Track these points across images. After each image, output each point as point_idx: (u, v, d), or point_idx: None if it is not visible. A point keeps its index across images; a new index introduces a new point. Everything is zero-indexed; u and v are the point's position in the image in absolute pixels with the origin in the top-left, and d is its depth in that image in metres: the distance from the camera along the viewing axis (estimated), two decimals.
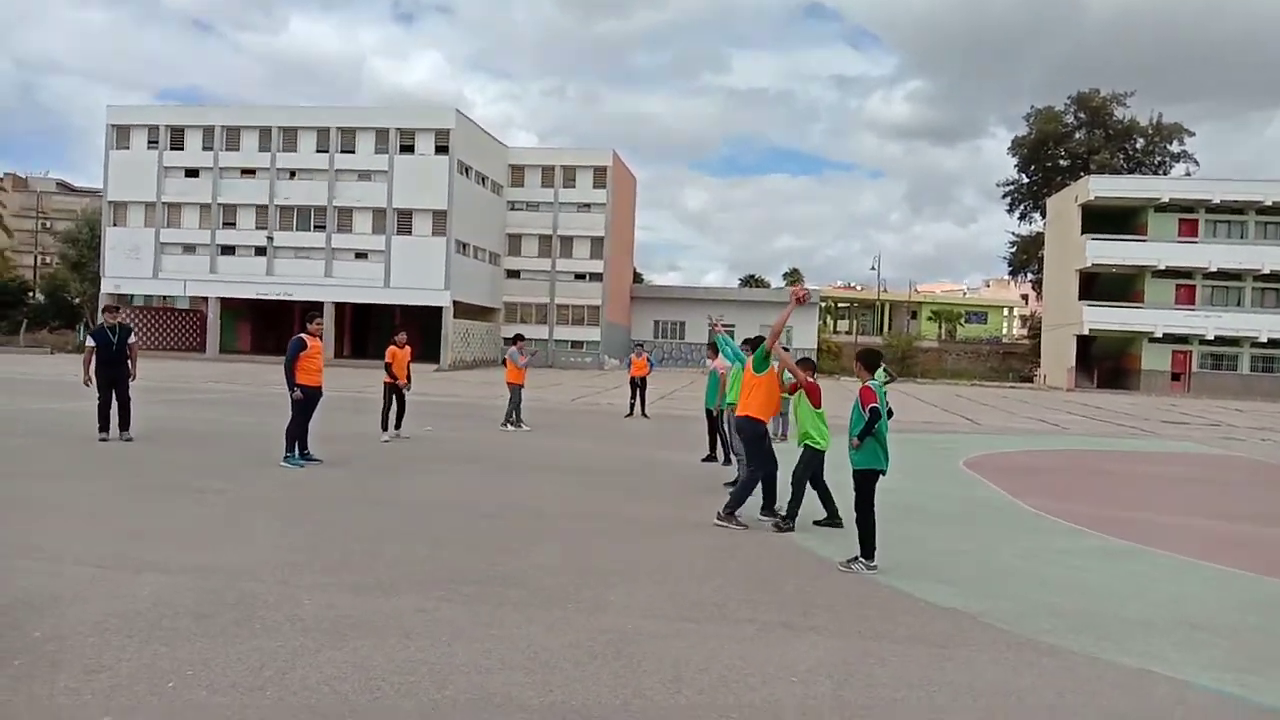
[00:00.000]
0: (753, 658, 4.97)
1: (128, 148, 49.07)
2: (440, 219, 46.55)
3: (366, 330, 53.54)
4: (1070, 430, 23.54)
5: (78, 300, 58.68)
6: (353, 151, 47.54)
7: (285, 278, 47.66)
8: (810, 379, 8.54)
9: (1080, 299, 52.87)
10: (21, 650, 4.53)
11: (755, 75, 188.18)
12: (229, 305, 49.69)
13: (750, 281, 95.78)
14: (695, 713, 4.21)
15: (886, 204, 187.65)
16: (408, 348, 14.92)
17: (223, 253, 48.55)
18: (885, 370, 21.42)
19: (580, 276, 55.22)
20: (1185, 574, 7.54)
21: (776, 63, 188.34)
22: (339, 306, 48.09)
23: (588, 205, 55.20)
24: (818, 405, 8.43)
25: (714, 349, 15.82)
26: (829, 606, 6.05)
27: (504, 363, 18.12)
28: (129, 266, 48.66)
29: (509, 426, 16.95)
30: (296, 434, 11.17)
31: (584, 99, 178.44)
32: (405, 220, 47.10)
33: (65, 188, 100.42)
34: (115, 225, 49.24)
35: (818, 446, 8.52)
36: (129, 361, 12.50)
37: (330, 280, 47.30)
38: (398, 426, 14.45)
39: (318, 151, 47.73)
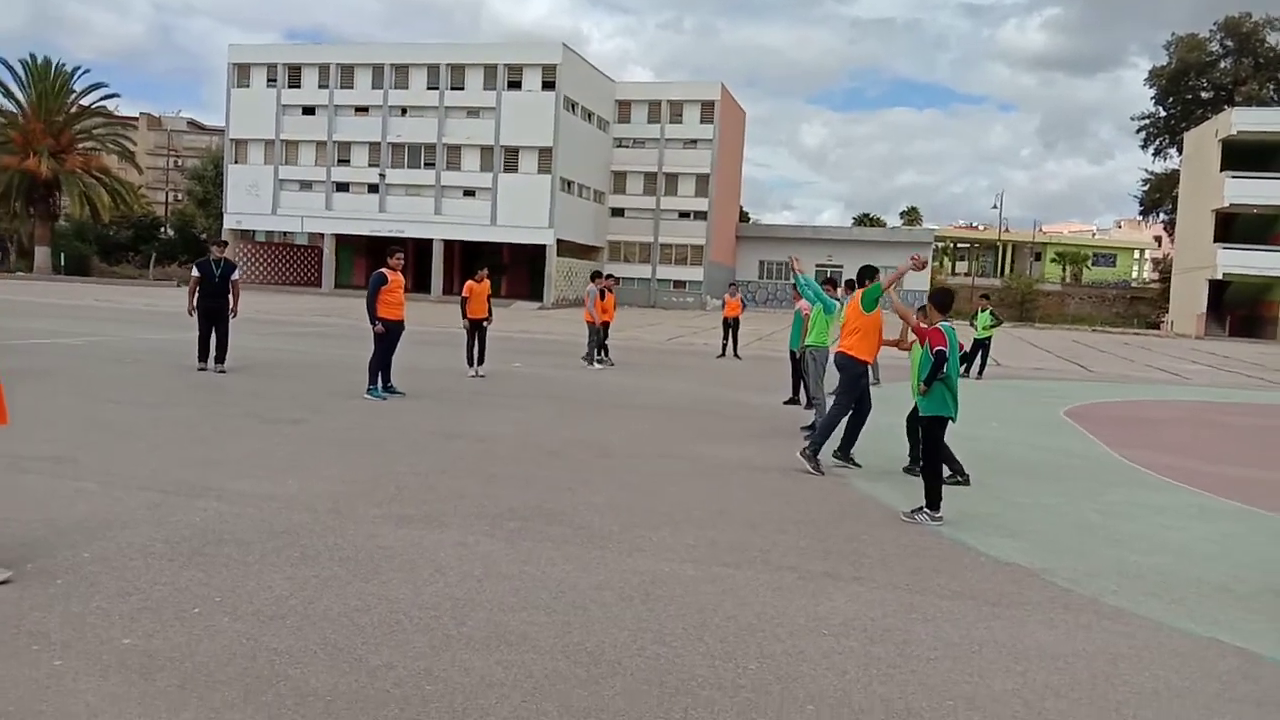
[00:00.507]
0: (786, 608, 4.79)
1: (248, 86, 50.59)
2: (546, 156, 46.62)
3: (477, 268, 54.31)
4: (1191, 380, 22.22)
5: (204, 235, 61.25)
6: (462, 88, 47.87)
7: (397, 215, 48.68)
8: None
9: (1215, 241, 49.57)
10: (67, 570, 4.70)
11: (881, 3, 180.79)
12: (345, 241, 51.10)
13: (864, 220, 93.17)
14: (712, 662, 4.07)
15: (1018, 139, 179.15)
16: (486, 282, 14.94)
17: (338, 190, 49.85)
18: (991, 313, 20.53)
19: (685, 215, 54.71)
20: None
21: None
22: (448, 244, 48.94)
23: (694, 141, 54.39)
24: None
25: (797, 290, 15.53)
26: (880, 558, 5.80)
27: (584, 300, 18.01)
28: (249, 203, 50.49)
29: (594, 364, 16.97)
30: (379, 367, 11.37)
31: (700, 31, 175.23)
32: (512, 158, 47.35)
33: (196, 126, 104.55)
34: (236, 162, 51.06)
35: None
36: (230, 296, 12.68)
37: (439, 218, 48.10)
38: (480, 362, 14.52)
39: (428, 89, 48.24)
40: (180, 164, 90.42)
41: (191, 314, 12.62)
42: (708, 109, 54.29)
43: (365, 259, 55.40)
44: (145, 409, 9.87)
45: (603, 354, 18.26)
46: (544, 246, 46.32)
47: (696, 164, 54.36)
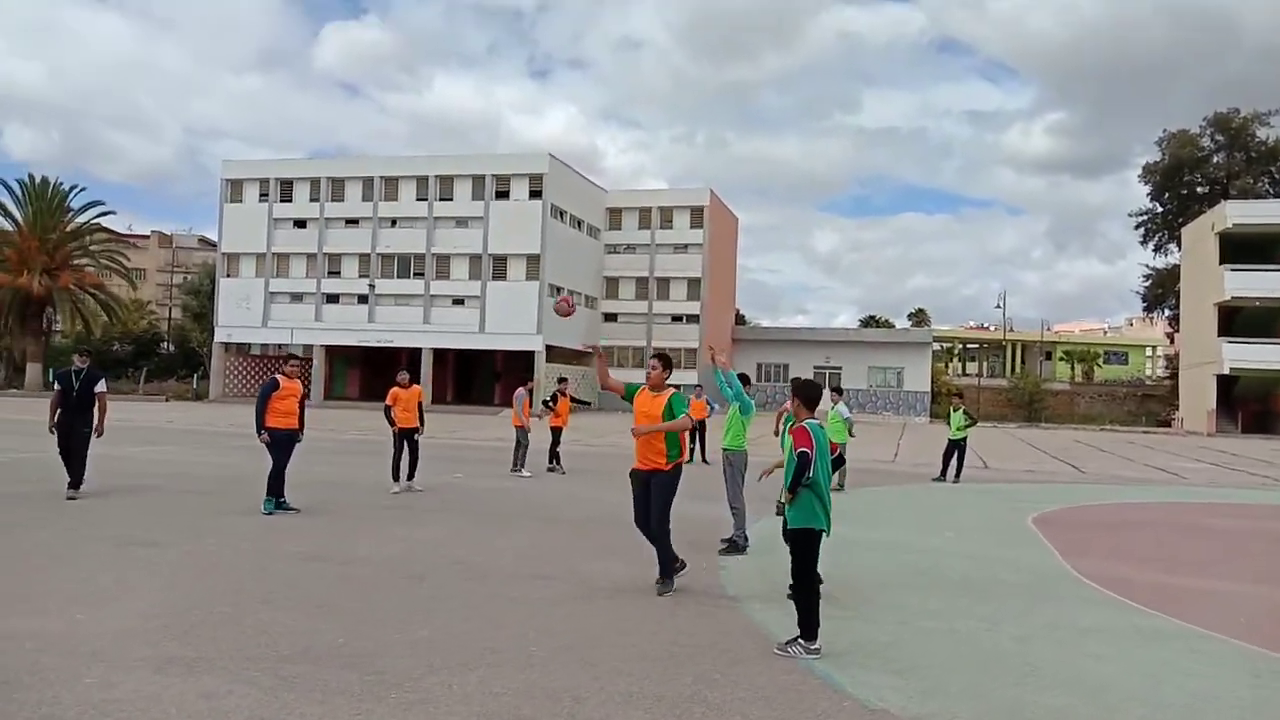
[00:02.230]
0: None
1: (241, 201, 51.20)
2: (534, 263, 46.62)
3: (471, 376, 53.99)
4: (1189, 480, 21.06)
5: (201, 349, 61.26)
6: (450, 199, 48.27)
7: (386, 325, 48.51)
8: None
9: (1220, 335, 48.65)
10: None
11: (886, 113, 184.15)
12: (338, 352, 50.82)
13: (871, 322, 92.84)
14: None
15: (1028, 241, 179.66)
16: (415, 387, 14.10)
17: (328, 301, 49.86)
18: (965, 413, 19.69)
19: (677, 319, 54.37)
20: (1227, 666, 5.91)
21: (908, 100, 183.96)
22: (439, 352, 48.61)
23: (685, 246, 54.47)
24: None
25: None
26: (720, 705, 4.81)
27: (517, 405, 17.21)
28: (240, 316, 50.49)
29: (523, 472, 16.07)
30: (276, 479, 10.65)
31: (712, 144, 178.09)
32: (500, 265, 47.38)
33: (206, 243, 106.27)
34: (229, 276, 51.29)
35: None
36: (95, 411, 11.15)
37: (429, 326, 47.88)
38: (410, 477, 13.57)
39: (417, 200, 48.68)
40: (186, 279, 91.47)
41: (52, 432, 11.09)
42: (697, 214, 54.53)
43: (359, 369, 55.10)
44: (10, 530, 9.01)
45: (554, 461, 17.38)
46: (533, 353, 45.84)
47: (687, 268, 54.31)
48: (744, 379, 10.36)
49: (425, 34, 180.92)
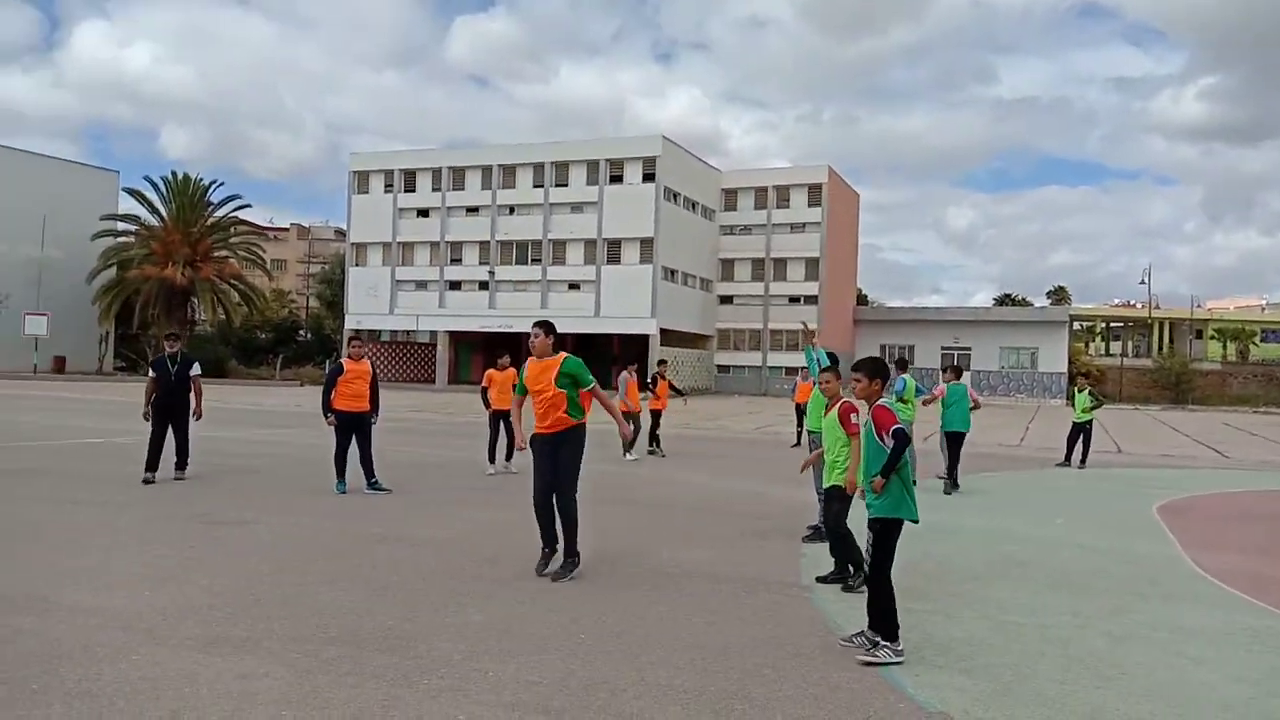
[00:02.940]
0: None
1: (367, 192, 52.92)
2: (647, 247, 46.56)
3: (589, 360, 54.30)
4: None
5: (334, 336, 63.82)
6: (566, 185, 48.66)
7: (505, 310, 49.37)
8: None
9: None
10: None
11: (1024, 83, 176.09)
12: (462, 338, 51.99)
13: (1006, 301, 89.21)
14: None
15: (1180, 213, 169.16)
16: (511, 370, 14.14)
17: (450, 288, 51.07)
18: (1091, 394, 18.50)
19: (794, 300, 53.39)
20: None
21: (1047, 68, 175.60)
22: (557, 337, 49.09)
23: (802, 225, 53.38)
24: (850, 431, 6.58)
25: (955, 372, 14.11)
26: (764, 701, 4.51)
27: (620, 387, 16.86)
28: (368, 304, 52.27)
29: (627, 456, 15.83)
30: (340, 460, 10.84)
31: (840, 121, 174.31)
32: (614, 250, 47.52)
33: (340, 234, 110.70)
34: (357, 265, 53.14)
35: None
36: (190, 394, 11.38)
37: (545, 312, 48.39)
38: (508, 458, 13.64)
39: (534, 186, 49.27)
40: (321, 269, 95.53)
41: (147, 419, 11.18)
42: (815, 192, 53.33)
43: (481, 355, 56.28)
44: (93, 509, 9.42)
45: (654, 444, 17.18)
46: (647, 336, 45.84)
47: (805, 248, 53.22)
48: (833, 358, 9.86)
49: (551, 23, 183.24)
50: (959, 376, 14.74)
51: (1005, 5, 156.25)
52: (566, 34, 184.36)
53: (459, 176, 51.03)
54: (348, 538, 8.33)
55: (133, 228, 56.03)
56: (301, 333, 75.34)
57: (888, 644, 5.20)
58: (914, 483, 5.61)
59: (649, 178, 46.65)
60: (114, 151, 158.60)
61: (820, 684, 4.82)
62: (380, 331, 55.43)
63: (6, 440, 16.20)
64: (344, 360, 10.87)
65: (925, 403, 13.63)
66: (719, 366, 53.47)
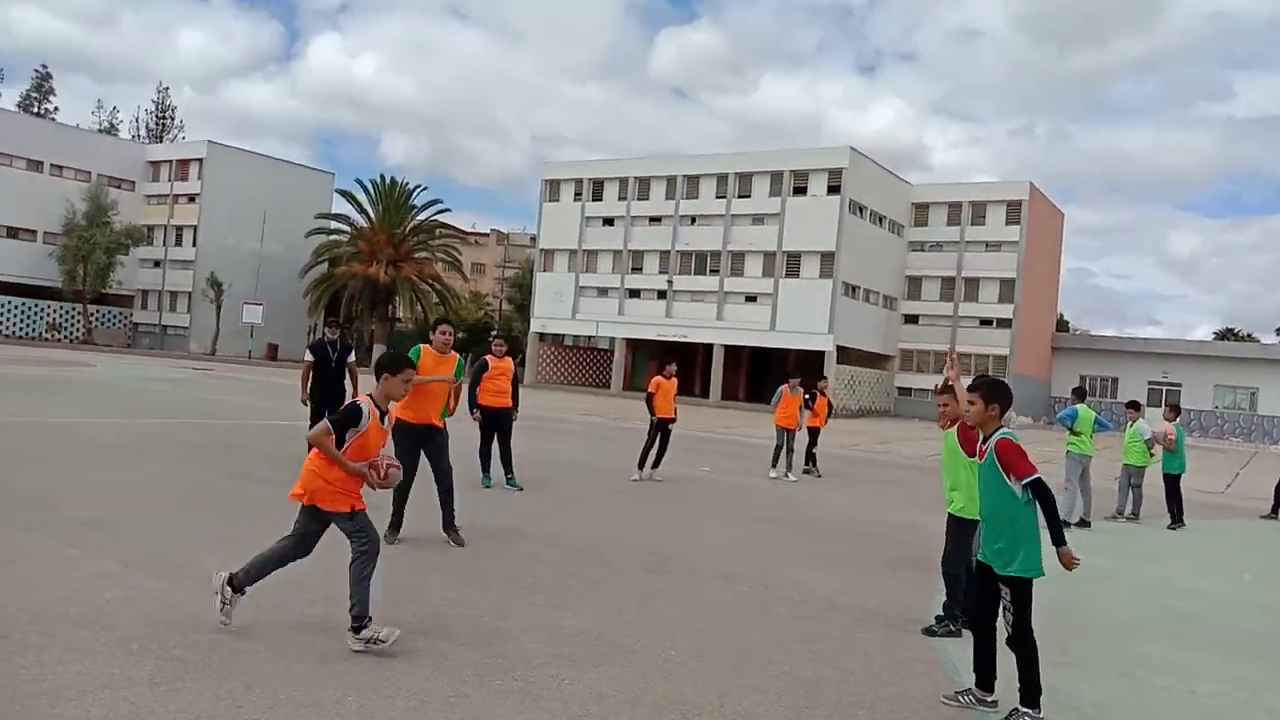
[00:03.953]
0: None
1: (558, 200, 54.54)
2: (828, 261, 45.58)
3: (765, 374, 53.88)
4: None
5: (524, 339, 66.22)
6: (748, 196, 48.39)
7: (682, 320, 49.59)
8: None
9: None
10: None
11: (1263, 100, 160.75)
12: (639, 345, 52.65)
13: (1229, 335, 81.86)
14: None
15: None
16: (675, 380, 14.11)
17: (630, 296, 51.81)
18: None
19: (986, 322, 50.84)
20: None
21: None
22: (732, 350, 48.98)
23: (999, 244, 50.75)
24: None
25: (1173, 410, 13.71)
26: None
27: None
28: (553, 308, 53.82)
29: (779, 474, 15.32)
30: (485, 455, 11.09)
31: (1054, 137, 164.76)
32: (794, 262, 46.81)
33: (534, 240, 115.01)
34: (545, 271, 54.81)
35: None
36: (348, 381, 11.37)
37: (721, 323, 48.36)
38: (655, 465, 13.58)
39: (716, 197, 49.28)
40: (514, 274, 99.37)
41: (306, 404, 11.13)
42: (1014, 209, 50.61)
43: (658, 362, 56.74)
44: (264, 486, 9.97)
45: (810, 463, 16.67)
46: (823, 353, 44.85)
47: (1000, 268, 50.58)
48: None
49: (755, 34, 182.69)
50: (1176, 415, 13.96)
51: (1247, 16, 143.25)
52: (769, 45, 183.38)
53: (644, 186, 51.74)
54: (472, 531, 8.43)
55: (344, 227, 60.16)
56: (493, 334, 78.57)
57: (1028, 711, 4.55)
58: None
59: (834, 190, 45.67)
60: (340, 156, 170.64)
61: None
62: (564, 335, 56.97)
63: (203, 416, 17.60)
64: (488, 358, 11.09)
65: (1163, 446, 13.53)
66: (899, 388, 51.65)
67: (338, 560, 6.78)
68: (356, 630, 4.94)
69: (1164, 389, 53.89)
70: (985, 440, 4.85)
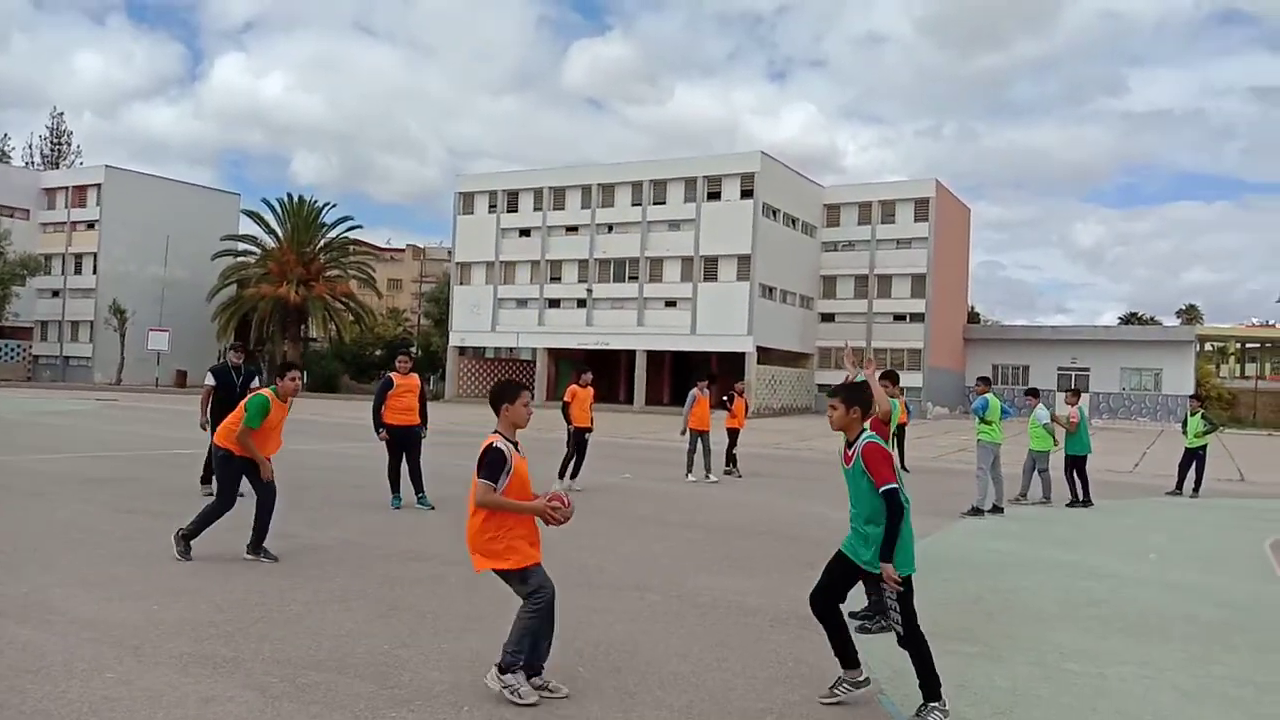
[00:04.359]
0: None
1: (472, 213, 53.94)
2: (744, 263, 45.96)
3: (687, 378, 53.98)
4: None
5: (438, 352, 65.24)
6: (664, 202, 48.53)
7: (603, 328, 49.44)
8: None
9: None
10: None
11: (1157, 95, 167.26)
12: (563, 355, 52.28)
13: (1132, 320, 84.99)
14: None
15: None
16: (590, 388, 13.97)
17: (549, 305, 51.48)
18: (1204, 418, 17.41)
19: (900, 318, 51.84)
20: None
21: (1182, 79, 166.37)
22: (655, 355, 48.99)
23: (908, 241, 51.81)
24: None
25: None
26: None
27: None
28: (471, 321, 53.16)
29: (698, 478, 15.28)
30: (394, 475, 10.77)
31: (961, 136, 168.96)
32: (711, 267, 47.08)
33: (451, 254, 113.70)
34: (462, 284, 54.13)
35: None
36: None
37: (642, 329, 48.34)
38: (573, 475, 13.39)
39: (632, 205, 49.30)
40: (430, 288, 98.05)
41: (205, 428, 10.44)
42: (922, 207, 51.74)
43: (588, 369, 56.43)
44: (146, 518, 9.45)
45: (730, 464, 16.67)
46: (744, 354, 45.16)
47: (911, 264, 51.63)
48: (891, 375, 9.23)
49: (666, 45, 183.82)
50: (1078, 398, 14.50)
51: (1138, 16, 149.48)
52: (681, 55, 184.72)
53: (559, 196, 51.48)
54: (378, 555, 8.16)
55: (252, 248, 58.54)
56: (413, 349, 77.36)
57: (935, 705, 4.52)
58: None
59: (747, 194, 46.08)
60: (248, 178, 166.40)
61: None
62: (484, 349, 56.29)
63: (101, 450, 16.80)
64: (393, 375, 10.74)
65: (1067, 428, 14.08)
66: (819, 385, 52.28)
67: (222, 593, 6.45)
68: (503, 670, 4.63)
69: (1073, 374, 55.61)
70: (851, 445, 4.77)
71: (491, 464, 4.74)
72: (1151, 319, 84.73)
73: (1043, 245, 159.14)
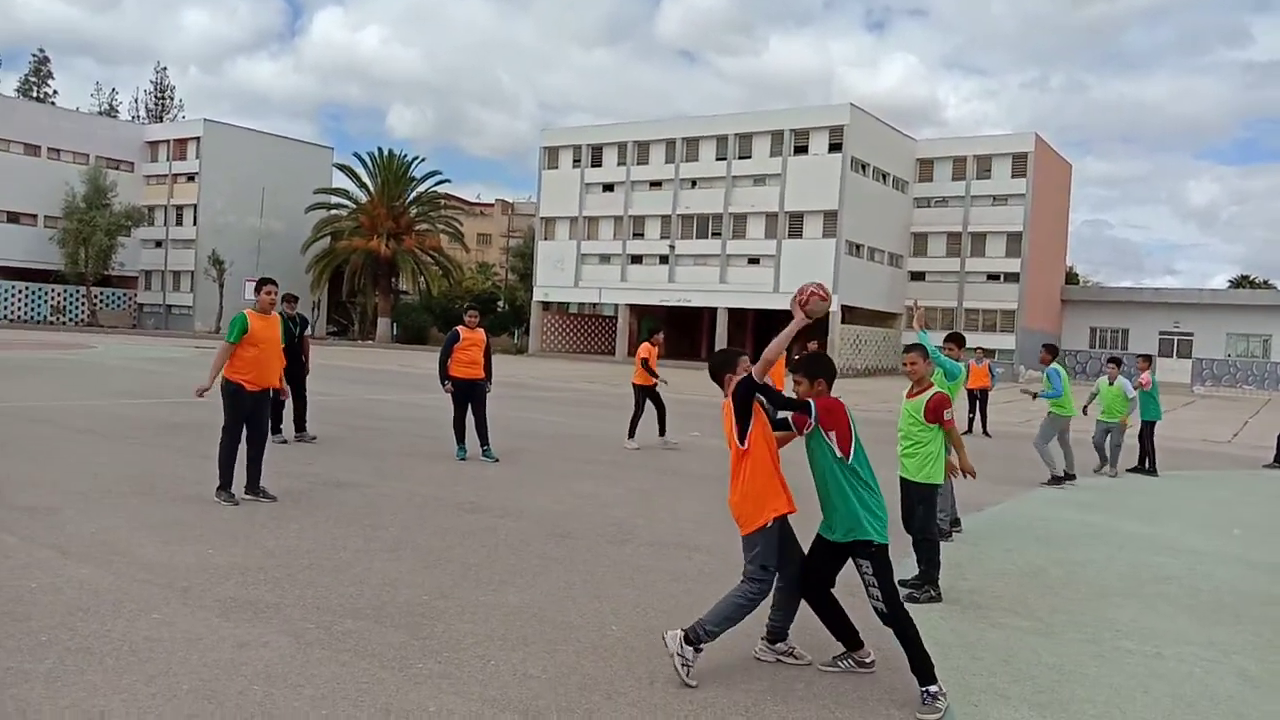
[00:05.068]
0: None
1: (557, 167, 53.98)
2: (830, 220, 45.00)
3: (770, 334, 53.39)
4: None
5: (524, 307, 65.92)
6: (749, 157, 47.73)
7: (684, 284, 49.18)
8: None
9: None
10: None
11: None
12: (643, 311, 52.29)
13: (1244, 283, 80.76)
14: None
15: None
16: (649, 345, 13.93)
17: (632, 262, 51.38)
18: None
19: (994, 277, 50.21)
20: None
21: None
22: (737, 312, 48.57)
23: (1004, 198, 50.00)
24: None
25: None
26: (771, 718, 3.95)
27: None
28: (555, 276, 53.45)
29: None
30: (459, 427, 10.91)
31: (1068, 89, 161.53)
32: (796, 223, 46.25)
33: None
34: (546, 239, 54.38)
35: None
36: (304, 356, 11.86)
37: (724, 286, 47.93)
38: (661, 433, 13.40)
39: (717, 159, 48.63)
40: (518, 243, 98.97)
41: None
42: (1020, 162, 49.78)
43: (666, 328, 56.35)
44: (209, 462, 9.77)
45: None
46: (828, 313, 44.37)
47: (1007, 221, 49.85)
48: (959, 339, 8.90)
49: None
50: (1149, 364, 13.88)
51: None
52: (777, 4, 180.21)
53: (643, 150, 51.11)
54: (433, 505, 8.26)
55: (345, 201, 59.83)
56: (499, 303, 78.37)
57: (927, 688, 4.28)
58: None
59: (836, 148, 44.96)
60: (346, 131, 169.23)
61: (855, 705, 4.19)
62: (567, 304, 56.67)
63: (186, 397, 17.42)
64: (460, 329, 10.86)
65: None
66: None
67: (276, 540, 6.60)
68: (688, 640, 4.42)
69: (1175, 339, 53.30)
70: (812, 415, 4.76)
71: (785, 402, 4.83)
72: (1265, 283, 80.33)
73: (1152, 203, 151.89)
